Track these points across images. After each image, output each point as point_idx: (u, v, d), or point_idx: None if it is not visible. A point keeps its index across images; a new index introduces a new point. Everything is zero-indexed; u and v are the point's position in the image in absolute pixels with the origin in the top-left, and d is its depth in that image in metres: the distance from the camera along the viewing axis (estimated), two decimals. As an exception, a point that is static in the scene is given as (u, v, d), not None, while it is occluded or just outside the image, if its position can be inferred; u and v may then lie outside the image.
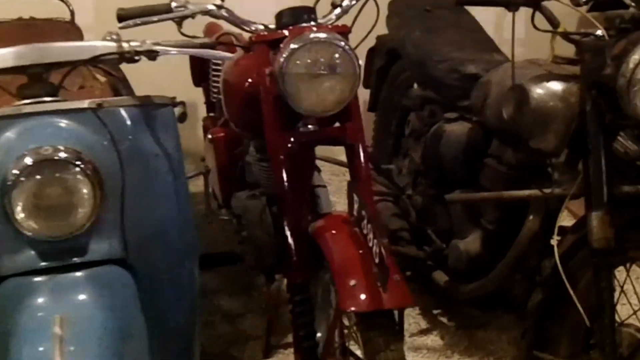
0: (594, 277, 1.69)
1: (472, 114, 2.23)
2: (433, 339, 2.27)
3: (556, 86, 1.91)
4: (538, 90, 1.93)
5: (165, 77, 2.79)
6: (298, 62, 1.52)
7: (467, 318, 2.32)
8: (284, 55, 1.51)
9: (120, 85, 2.23)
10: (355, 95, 1.68)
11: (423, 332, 2.30)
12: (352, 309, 1.38)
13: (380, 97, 3.00)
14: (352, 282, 1.39)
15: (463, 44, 2.43)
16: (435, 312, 2.39)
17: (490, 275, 2.07)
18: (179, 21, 1.66)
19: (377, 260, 1.37)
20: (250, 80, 1.73)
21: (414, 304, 1.45)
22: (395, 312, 1.44)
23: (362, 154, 1.66)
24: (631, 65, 1.61)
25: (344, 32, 1.66)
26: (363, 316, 1.39)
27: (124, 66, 1.68)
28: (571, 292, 1.74)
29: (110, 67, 2.21)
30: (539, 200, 1.98)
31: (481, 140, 2.21)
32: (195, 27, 1.87)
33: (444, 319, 2.36)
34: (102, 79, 2.12)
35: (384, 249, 1.35)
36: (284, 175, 1.63)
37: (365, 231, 1.44)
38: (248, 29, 1.67)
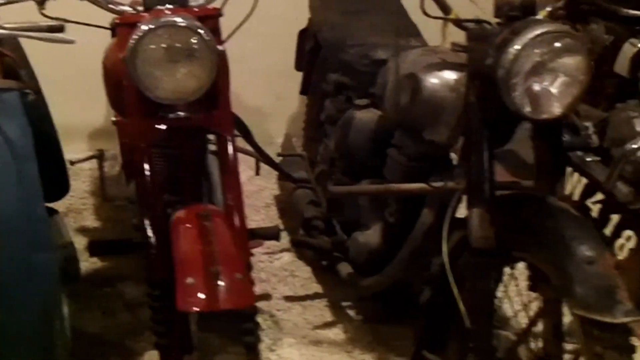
0: (471, 278, 1.62)
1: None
2: (336, 333, 2.20)
3: (448, 75, 1.84)
4: (430, 79, 1.85)
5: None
6: (152, 46, 1.44)
7: (374, 312, 2.26)
8: (133, 39, 1.43)
9: (17, 66, 2.15)
10: (226, 83, 1.60)
11: (327, 325, 2.23)
12: (186, 308, 1.31)
13: (312, 81, 2.93)
14: (190, 280, 1.32)
15: (381, 28, 2.34)
16: (344, 304, 2.33)
17: (385, 269, 2.01)
18: (41, 1, 1.58)
19: (216, 258, 1.31)
20: (116, 65, 1.66)
21: (253, 302, 1.38)
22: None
23: (229, 144, 1.59)
24: (511, 56, 1.52)
25: (213, 15, 1.58)
26: (200, 317, 1.33)
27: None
28: (455, 291, 1.67)
29: (5, 46, 2.14)
30: (435, 194, 1.92)
31: (388, 130, 2.13)
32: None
33: (351, 312, 2.29)
34: (-11, 58, 2.03)
35: (218, 246, 1.30)
36: (146, 164, 1.56)
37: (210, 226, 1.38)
38: (113, 9, 1.59)
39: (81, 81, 2.84)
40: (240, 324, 1.45)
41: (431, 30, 2.08)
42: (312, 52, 2.83)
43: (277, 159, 2.72)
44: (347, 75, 2.35)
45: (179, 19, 1.45)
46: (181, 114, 1.57)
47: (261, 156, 2.11)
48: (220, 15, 1.60)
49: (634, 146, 2.24)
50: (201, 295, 1.31)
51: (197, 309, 1.31)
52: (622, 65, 2.46)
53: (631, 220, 1.38)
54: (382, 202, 2.12)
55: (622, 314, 1.36)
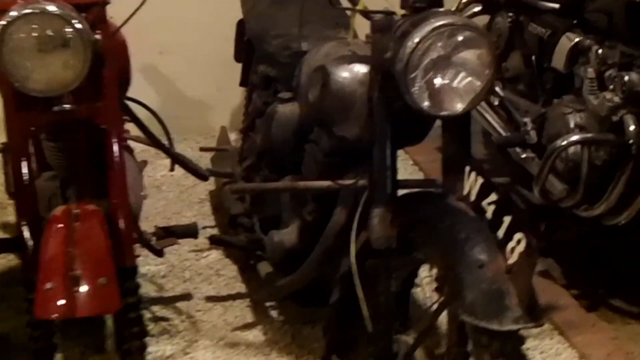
0: (372, 279, 1.56)
1: (300, 95, 2.07)
2: (255, 334, 2.13)
3: (358, 68, 1.75)
4: (339, 73, 1.76)
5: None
6: (22, 35, 1.36)
7: (297, 313, 2.18)
8: (0, 27, 1.35)
9: None
10: (112, 74, 1.53)
11: (247, 326, 2.16)
12: (43, 315, 1.24)
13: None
14: (49, 286, 1.25)
15: (309, 19, 2.26)
16: (267, 305, 2.25)
17: (299, 269, 1.94)
18: None
19: (79, 262, 1.24)
20: None
21: (117, 309, 1.31)
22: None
23: (114, 138, 1.52)
24: (408, 50, 1.45)
25: (97, 3, 1.50)
26: (61, 323, 1.26)
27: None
28: (359, 292, 1.61)
29: None
30: (348, 192, 1.84)
31: (309, 124, 2.06)
32: None
33: (273, 313, 2.22)
34: None
35: (83, 249, 1.22)
36: (23, 162, 1.48)
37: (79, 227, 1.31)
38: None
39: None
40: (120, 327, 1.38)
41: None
42: (249, 42, 2.75)
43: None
44: (273, 67, 2.27)
45: (50, 7, 1.37)
46: (66, 106, 1.49)
47: (165, 151, 2.02)
48: (106, 3, 1.52)
49: (563, 143, 2.19)
50: (60, 302, 1.23)
51: (55, 316, 1.23)
52: (558, 59, 2.40)
53: (521, 222, 1.31)
54: (302, 200, 2.05)
55: (511, 322, 1.30)
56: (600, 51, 2.20)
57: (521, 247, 1.29)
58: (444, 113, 1.48)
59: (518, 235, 1.30)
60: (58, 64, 1.40)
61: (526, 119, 2.55)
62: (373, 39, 1.58)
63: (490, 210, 1.37)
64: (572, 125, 2.29)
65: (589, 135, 2.16)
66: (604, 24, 2.28)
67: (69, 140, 1.59)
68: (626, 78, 2.08)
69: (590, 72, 2.20)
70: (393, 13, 1.60)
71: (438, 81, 1.47)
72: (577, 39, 2.32)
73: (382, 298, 1.54)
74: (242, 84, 2.97)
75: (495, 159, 3.08)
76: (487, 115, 2.74)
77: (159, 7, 3.19)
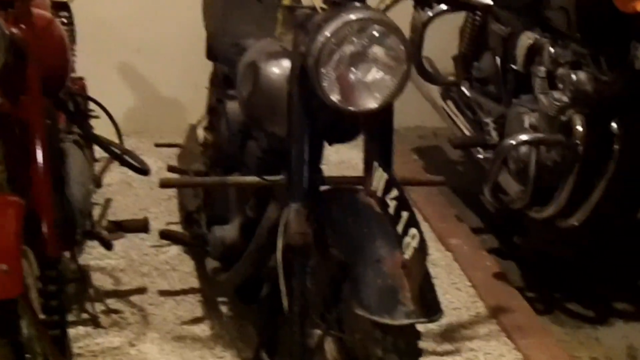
0: (284, 275, 1.57)
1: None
2: (203, 329, 2.15)
3: (286, 64, 1.76)
4: (268, 69, 1.78)
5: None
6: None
7: (246, 309, 2.20)
8: None
9: None
10: (34, 68, 1.56)
11: (195, 320, 2.18)
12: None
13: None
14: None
15: (264, 16, 2.28)
16: (219, 300, 2.28)
17: (235, 265, 1.96)
18: None
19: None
20: None
21: (14, 295, 1.35)
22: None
23: (36, 131, 1.56)
24: (319, 45, 1.46)
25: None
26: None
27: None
28: (282, 287, 1.62)
29: None
30: (282, 188, 1.85)
31: (252, 121, 2.07)
32: None
33: (223, 308, 2.24)
34: None
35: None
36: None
37: None
38: None
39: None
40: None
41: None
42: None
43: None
44: (225, 65, 2.30)
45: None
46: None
47: (100, 145, 2.05)
48: (29, -1, 1.56)
49: (512, 142, 2.18)
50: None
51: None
52: (518, 59, 2.38)
53: (415, 219, 1.31)
54: (246, 197, 2.06)
55: (403, 316, 1.30)
56: (552, 50, 2.19)
57: (415, 243, 1.30)
58: (355, 108, 1.48)
59: (413, 231, 1.31)
60: None
61: (487, 119, 2.55)
62: (294, 34, 1.60)
63: (392, 206, 1.38)
64: (526, 125, 2.28)
65: (537, 135, 2.15)
66: (560, 22, 2.27)
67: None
68: (574, 77, 2.07)
69: (542, 71, 2.19)
70: (314, 8, 1.61)
71: (351, 77, 1.48)
72: (534, 38, 2.31)
73: (296, 293, 1.55)
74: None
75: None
76: (452, 115, 2.74)
77: (137, 4, 3.28)
